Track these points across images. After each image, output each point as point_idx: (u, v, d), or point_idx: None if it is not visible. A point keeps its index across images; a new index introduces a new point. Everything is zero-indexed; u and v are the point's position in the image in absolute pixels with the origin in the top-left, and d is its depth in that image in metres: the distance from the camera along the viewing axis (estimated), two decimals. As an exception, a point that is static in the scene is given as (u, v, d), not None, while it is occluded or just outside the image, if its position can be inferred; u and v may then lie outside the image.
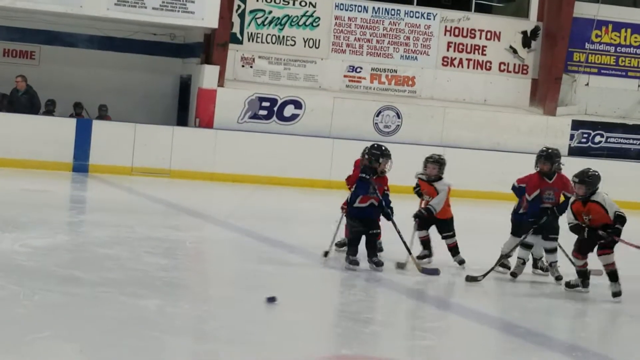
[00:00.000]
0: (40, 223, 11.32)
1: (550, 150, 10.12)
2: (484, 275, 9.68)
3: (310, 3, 20.31)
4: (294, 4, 20.25)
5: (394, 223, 9.83)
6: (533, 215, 9.90)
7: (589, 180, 9.34)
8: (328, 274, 9.79)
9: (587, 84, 21.91)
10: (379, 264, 9.76)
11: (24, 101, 18.55)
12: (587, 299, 9.41)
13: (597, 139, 21.52)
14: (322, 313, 7.95)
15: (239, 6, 19.82)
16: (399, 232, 9.83)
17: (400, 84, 20.88)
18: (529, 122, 21.08)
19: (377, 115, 20.24)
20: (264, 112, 19.62)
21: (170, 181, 18.11)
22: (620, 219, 9.21)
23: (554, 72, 21.18)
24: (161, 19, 18.89)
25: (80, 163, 17.94)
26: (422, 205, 10.41)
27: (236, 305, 7.74)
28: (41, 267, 8.61)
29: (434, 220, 10.41)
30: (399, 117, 20.32)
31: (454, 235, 10.49)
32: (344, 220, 10.23)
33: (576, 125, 21.40)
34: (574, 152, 21.05)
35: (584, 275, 9.53)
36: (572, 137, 21.31)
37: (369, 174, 9.81)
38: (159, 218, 13.30)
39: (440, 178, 10.40)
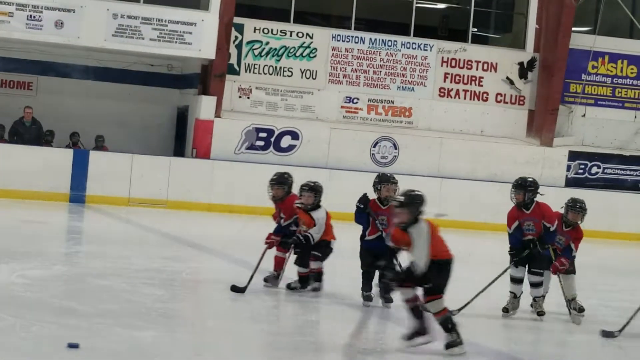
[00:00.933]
0: (37, 254, 11.29)
1: (522, 180, 9.80)
2: (459, 310, 9.04)
3: (307, 34, 20.38)
4: (291, 35, 20.31)
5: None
6: (514, 247, 9.62)
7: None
8: (327, 304, 9.74)
9: (584, 115, 21.96)
10: (388, 300, 9.33)
11: (33, 132, 18.63)
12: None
13: (594, 169, 21.53)
14: (322, 346, 7.91)
15: (236, 37, 19.88)
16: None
17: (397, 115, 20.92)
18: (525, 153, 21.10)
19: (374, 146, 20.25)
20: (261, 143, 19.63)
21: (167, 212, 18.09)
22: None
23: (550, 103, 21.23)
24: (158, 50, 18.95)
25: (77, 194, 17.92)
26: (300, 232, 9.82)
27: (233, 337, 7.71)
28: (38, 298, 8.57)
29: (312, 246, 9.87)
30: (395, 148, 20.34)
31: (321, 260, 9.91)
32: (267, 252, 9.88)
33: (573, 156, 21.42)
34: (570, 183, 21.06)
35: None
36: (569, 168, 21.33)
37: (363, 202, 9.46)
38: (155, 249, 13.26)
39: (318, 207, 9.94)
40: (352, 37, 20.62)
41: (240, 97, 20.05)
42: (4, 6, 17.96)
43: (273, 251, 10.07)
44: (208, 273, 11.87)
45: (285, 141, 19.77)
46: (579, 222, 9.99)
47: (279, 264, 10.06)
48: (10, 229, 14.11)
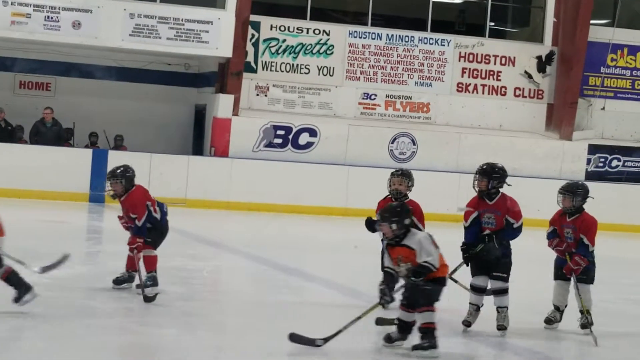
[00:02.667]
0: (58, 254, 11.30)
1: (487, 165, 8.60)
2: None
3: (324, 31, 20.35)
4: (307, 32, 20.29)
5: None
6: (467, 243, 8.35)
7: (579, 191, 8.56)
8: (347, 303, 9.72)
9: (603, 108, 21.85)
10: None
11: (53, 133, 18.70)
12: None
13: (614, 163, 21.43)
14: (342, 343, 7.89)
15: (253, 35, 19.88)
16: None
17: (415, 111, 20.87)
18: (545, 147, 21.02)
19: (392, 142, 20.22)
20: (278, 141, 19.63)
21: (186, 210, 18.09)
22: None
23: (569, 97, 21.13)
24: (176, 49, 18.97)
25: (97, 193, 17.95)
26: None
27: (253, 335, 7.70)
28: (60, 297, 8.60)
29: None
30: (414, 144, 20.30)
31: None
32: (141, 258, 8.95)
33: (593, 149, 21.32)
34: (591, 176, 20.95)
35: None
36: (588, 161, 21.23)
37: (368, 226, 8.98)
38: (175, 247, 13.21)
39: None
40: (369, 33, 20.58)
41: (257, 95, 20.05)
42: (21, 7, 18.01)
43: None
44: (228, 271, 11.88)
45: (303, 138, 19.76)
46: (574, 206, 8.55)
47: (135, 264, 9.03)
48: (31, 229, 14.14)
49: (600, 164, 21.34)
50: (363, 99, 20.59)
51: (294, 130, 19.70)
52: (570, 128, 21.23)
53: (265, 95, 20.09)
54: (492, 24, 21.69)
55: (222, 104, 19.33)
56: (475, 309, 8.34)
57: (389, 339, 7.45)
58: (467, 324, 8.32)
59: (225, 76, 19.46)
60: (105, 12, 18.43)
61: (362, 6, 20.82)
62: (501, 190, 8.49)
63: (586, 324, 8.43)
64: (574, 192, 8.56)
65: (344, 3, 21.95)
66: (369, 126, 20.20)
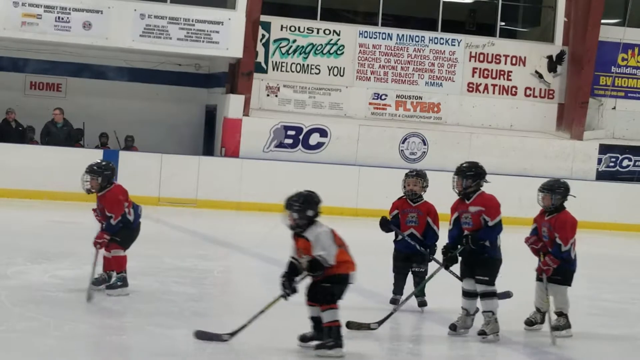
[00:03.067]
0: (69, 254, 11.35)
1: (464, 164, 8.47)
2: (380, 323, 8.24)
3: (334, 31, 20.35)
4: (318, 33, 20.30)
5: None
6: (446, 246, 8.24)
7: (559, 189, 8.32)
8: (360, 304, 9.71)
9: (614, 108, 21.80)
10: (422, 304, 9.06)
11: (64, 134, 18.73)
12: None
13: (625, 162, 21.38)
14: (357, 345, 7.88)
15: (263, 35, 19.89)
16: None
17: (426, 111, 20.85)
18: (555, 147, 20.98)
19: (403, 142, 20.20)
20: (289, 141, 19.63)
21: (197, 211, 18.13)
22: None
23: (580, 97, 21.10)
24: (186, 49, 18.99)
25: (108, 194, 17.96)
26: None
27: (264, 336, 7.70)
28: (71, 298, 8.61)
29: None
30: (424, 144, 20.28)
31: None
32: (100, 256, 8.90)
33: (604, 149, 21.28)
34: (602, 176, 20.93)
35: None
36: (599, 161, 21.18)
37: (383, 226, 9.06)
38: (186, 248, 13.29)
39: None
40: (380, 33, 20.57)
41: (268, 95, 20.06)
42: (32, 8, 18.05)
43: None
44: (239, 272, 11.89)
45: (314, 139, 19.76)
46: (553, 205, 8.34)
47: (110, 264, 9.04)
48: (42, 229, 14.19)
49: (611, 164, 21.29)
50: (373, 99, 20.58)
51: (305, 130, 19.70)
52: (581, 128, 21.19)
53: (276, 96, 20.10)
54: (503, 23, 21.66)
55: (233, 105, 19.34)
56: (465, 313, 8.14)
57: (303, 339, 7.32)
58: (452, 327, 8.13)
59: (235, 76, 19.47)
60: (116, 13, 18.46)
61: (373, 6, 20.81)
62: (482, 189, 8.30)
63: (558, 326, 8.27)
64: (553, 190, 8.36)
65: (354, 3, 21.94)
66: (379, 126, 20.19)
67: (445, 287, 8.99)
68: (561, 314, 8.36)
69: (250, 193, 18.70)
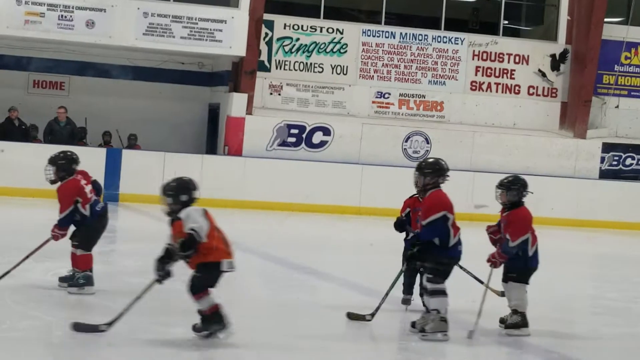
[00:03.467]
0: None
1: (423, 161, 8.28)
2: (373, 315, 8.31)
3: (337, 30, 20.34)
4: (321, 31, 20.29)
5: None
6: (410, 244, 8.15)
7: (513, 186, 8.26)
8: (363, 303, 9.72)
9: (617, 106, 21.79)
10: (405, 302, 9.03)
11: (67, 132, 18.73)
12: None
13: (629, 161, 21.36)
14: (358, 342, 7.89)
15: (267, 34, 19.89)
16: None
17: (429, 109, 20.84)
18: (558, 146, 20.97)
19: (406, 141, 20.20)
20: (292, 139, 19.63)
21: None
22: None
23: (583, 95, 21.08)
24: (189, 47, 18.99)
25: (110, 192, 17.98)
26: None
27: (268, 334, 7.70)
28: (73, 297, 8.61)
29: None
30: (428, 143, 20.27)
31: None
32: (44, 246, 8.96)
33: (607, 148, 21.26)
34: (605, 175, 20.91)
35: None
36: (602, 160, 21.16)
37: (399, 227, 8.73)
38: (189, 246, 13.25)
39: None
40: (383, 32, 20.56)
41: (271, 93, 20.06)
42: (35, 7, 18.06)
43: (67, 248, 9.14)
44: (242, 270, 11.85)
45: (317, 137, 19.76)
46: (509, 201, 8.34)
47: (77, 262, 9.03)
48: (45, 228, 14.15)
49: (614, 162, 21.27)
50: (377, 97, 20.58)
51: (308, 129, 19.70)
52: (584, 126, 21.18)
53: (279, 94, 20.10)
54: (506, 22, 21.65)
55: (236, 103, 19.34)
56: (425, 311, 7.97)
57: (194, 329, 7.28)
58: (412, 324, 8.01)
59: (238, 75, 19.48)
60: (119, 11, 18.46)
61: (376, 5, 20.81)
62: (441, 186, 8.10)
63: (512, 324, 8.18)
64: (508, 187, 8.32)
65: (357, 2, 21.93)
66: (382, 125, 20.19)
67: (460, 286, 8.81)
68: (516, 312, 8.23)
69: (253, 191, 18.70)
